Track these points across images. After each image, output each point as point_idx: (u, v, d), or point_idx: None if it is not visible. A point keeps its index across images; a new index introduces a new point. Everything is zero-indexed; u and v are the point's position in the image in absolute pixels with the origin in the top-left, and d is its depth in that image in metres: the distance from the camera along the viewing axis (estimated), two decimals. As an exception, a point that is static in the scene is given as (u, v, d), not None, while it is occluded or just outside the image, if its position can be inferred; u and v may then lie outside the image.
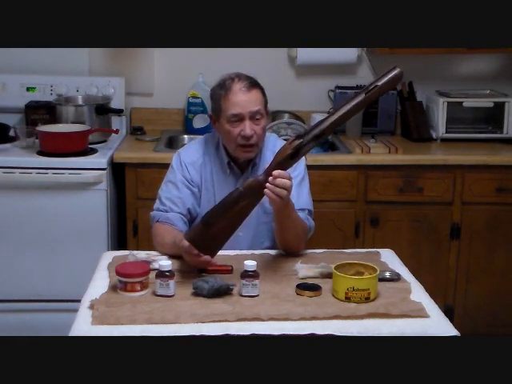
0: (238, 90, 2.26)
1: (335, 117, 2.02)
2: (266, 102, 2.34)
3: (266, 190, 2.02)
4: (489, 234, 3.27)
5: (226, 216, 2.02)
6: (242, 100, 2.26)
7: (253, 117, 2.27)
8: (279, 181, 2.02)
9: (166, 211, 2.34)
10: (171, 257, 2.14)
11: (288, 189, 2.04)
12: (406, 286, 2.04)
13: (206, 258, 2.00)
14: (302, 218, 2.29)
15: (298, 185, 2.32)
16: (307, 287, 1.97)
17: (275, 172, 2.02)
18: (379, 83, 2.00)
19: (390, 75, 2.01)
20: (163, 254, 2.22)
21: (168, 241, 2.20)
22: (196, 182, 2.39)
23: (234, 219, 2.05)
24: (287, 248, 2.27)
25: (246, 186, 2.05)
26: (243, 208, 2.04)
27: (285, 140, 2.24)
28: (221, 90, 2.30)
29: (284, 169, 2.05)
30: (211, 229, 2.01)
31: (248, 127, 2.26)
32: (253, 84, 2.29)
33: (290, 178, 2.06)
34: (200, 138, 2.51)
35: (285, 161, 2.05)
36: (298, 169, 2.37)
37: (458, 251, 3.28)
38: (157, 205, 2.39)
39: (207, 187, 2.39)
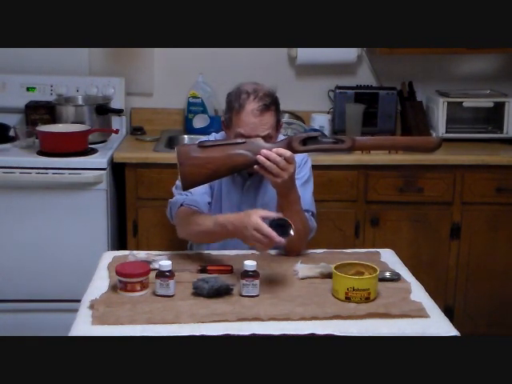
0: (250, 112, 2.21)
1: (361, 138, 2.07)
2: (278, 121, 2.30)
3: (258, 155, 2.03)
4: (489, 233, 3.27)
5: (220, 149, 2.05)
6: (252, 122, 2.21)
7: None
8: (273, 156, 2.02)
9: (190, 194, 2.26)
10: (171, 257, 2.14)
11: (280, 166, 2.03)
12: (406, 286, 2.04)
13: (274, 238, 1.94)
14: (304, 217, 2.27)
15: (301, 185, 2.30)
16: (276, 225, 1.95)
17: (275, 149, 2.03)
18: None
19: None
20: (193, 241, 2.23)
21: (208, 223, 2.12)
22: None
23: (224, 159, 2.05)
24: (288, 245, 2.23)
25: (250, 140, 2.08)
26: (236, 156, 2.05)
27: None
28: (235, 102, 2.25)
29: (291, 150, 2.05)
30: (203, 152, 2.03)
31: None
32: (267, 106, 2.24)
33: (290, 160, 2.04)
34: (210, 136, 2.48)
35: (294, 141, 2.06)
36: (304, 170, 2.37)
37: (458, 251, 3.28)
38: (176, 194, 2.32)
39: (213, 186, 2.36)
